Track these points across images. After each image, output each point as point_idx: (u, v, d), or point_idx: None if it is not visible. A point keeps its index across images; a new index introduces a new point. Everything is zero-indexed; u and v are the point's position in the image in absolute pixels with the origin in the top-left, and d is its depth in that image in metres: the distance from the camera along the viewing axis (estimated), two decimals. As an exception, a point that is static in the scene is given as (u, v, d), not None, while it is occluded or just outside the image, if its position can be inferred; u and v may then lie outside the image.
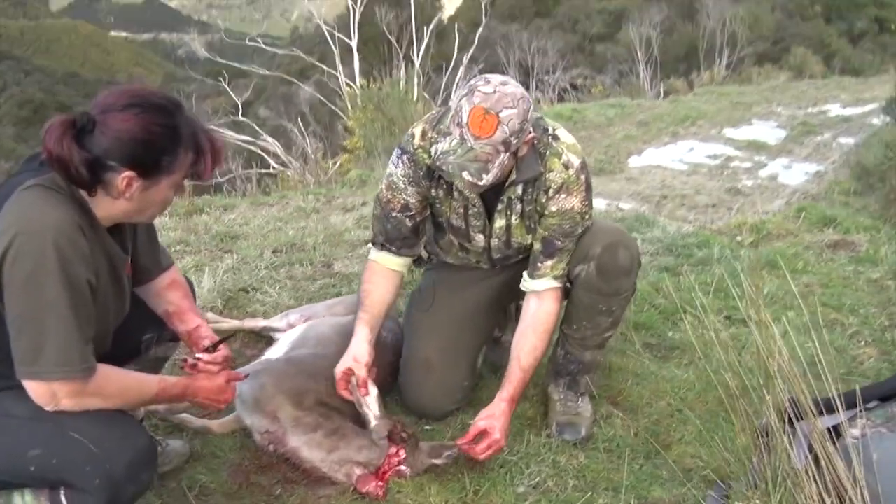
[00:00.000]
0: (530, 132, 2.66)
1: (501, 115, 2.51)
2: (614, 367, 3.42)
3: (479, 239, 3.01)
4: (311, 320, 3.41)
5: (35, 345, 1.94)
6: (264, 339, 3.63)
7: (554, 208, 2.84)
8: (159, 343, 2.54)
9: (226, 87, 18.75)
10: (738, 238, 5.35)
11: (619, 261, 2.86)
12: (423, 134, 2.86)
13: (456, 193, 2.91)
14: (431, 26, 20.54)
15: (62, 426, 2.01)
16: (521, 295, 3.09)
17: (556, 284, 2.91)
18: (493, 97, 2.53)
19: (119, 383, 2.13)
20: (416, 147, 2.86)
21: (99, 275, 2.08)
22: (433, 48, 20.08)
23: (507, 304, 3.39)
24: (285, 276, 4.61)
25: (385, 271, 3.03)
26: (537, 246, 2.91)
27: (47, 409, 2.00)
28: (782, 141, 9.88)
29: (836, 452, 2.06)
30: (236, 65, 21.19)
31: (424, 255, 3.31)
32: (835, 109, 12.02)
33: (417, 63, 17.64)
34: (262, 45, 21.00)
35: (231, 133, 18.09)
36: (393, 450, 2.71)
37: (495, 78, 2.61)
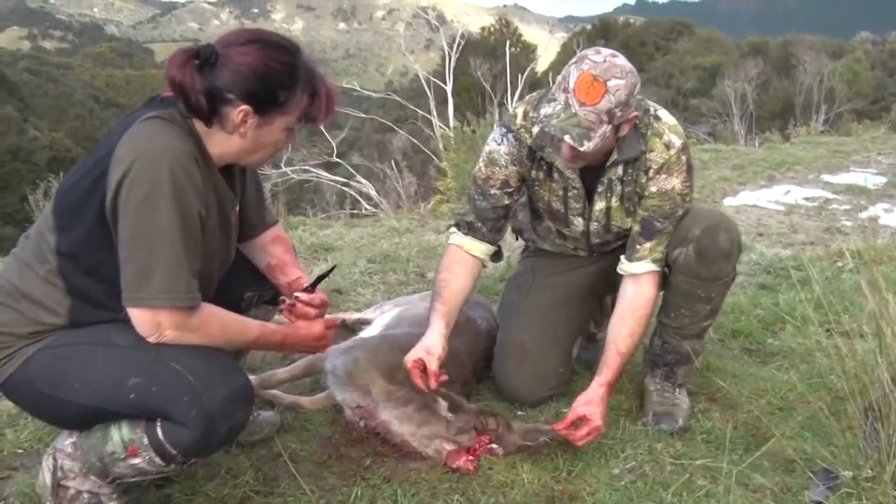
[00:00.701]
0: (634, 111, 2.62)
1: (609, 83, 2.48)
2: (712, 367, 3.33)
3: (579, 223, 2.98)
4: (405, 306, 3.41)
5: (143, 270, 1.98)
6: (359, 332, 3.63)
7: (654, 189, 2.80)
8: (259, 303, 2.54)
9: (321, 128, 19.05)
10: (839, 263, 5.20)
11: (720, 243, 2.79)
12: (525, 114, 2.86)
13: (556, 175, 2.89)
14: (525, 74, 20.76)
15: (163, 356, 2.03)
16: (618, 286, 3.05)
17: (655, 268, 2.85)
18: (603, 66, 2.50)
19: (222, 321, 2.15)
20: (518, 126, 2.86)
21: (209, 210, 2.12)
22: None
23: (604, 295, 3.34)
24: (379, 282, 4.64)
25: (466, 258, 2.95)
26: (636, 228, 2.86)
27: (150, 339, 2.03)
28: (883, 186, 9.62)
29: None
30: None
31: (520, 243, 3.29)
32: (938, 159, 11.70)
33: (511, 107, 17.73)
34: (359, 89, 21.35)
35: (325, 174, 18.42)
36: (479, 430, 2.68)
37: (606, 50, 2.60)
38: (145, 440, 2.05)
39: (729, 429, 2.88)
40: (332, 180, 18.32)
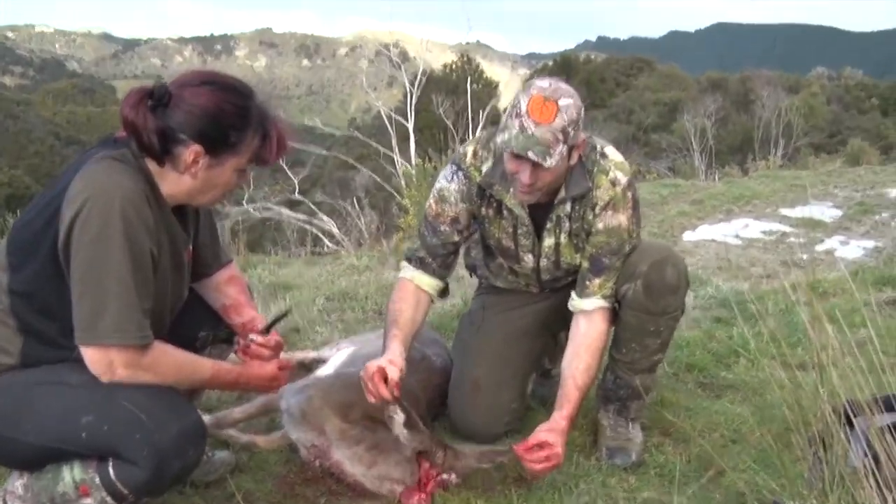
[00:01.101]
0: (582, 135, 2.68)
1: (560, 102, 2.54)
2: (666, 402, 3.36)
3: (529, 259, 3.01)
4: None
5: (95, 309, 1.99)
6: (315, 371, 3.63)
7: (601, 225, 2.84)
8: (214, 343, 2.55)
9: (283, 164, 19.07)
10: (793, 297, 5.27)
11: (667, 278, 2.83)
12: (475, 153, 2.90)
13: (505, 213, 2.92)
14: (487, 111, 20.90)
15: (115, 395, 2.04)
16: (570, 322, 3.09)
17: (605, 304, 2.88)
18: (550, 88, 2.57)
19: (174, 360, 2.17)
20: (468, 164, 2.90)
21: (161, 249, 2.14)
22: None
23: (557, 332, 3.35)
24: (337, 320, 4.64)
25: (416, 291, 2.98)
26: (585, 264, 2.90)
27: (103, 378, 2.04)
28: (839, 219, 9.77)
29: (896, 449, 1.99)
30: (295, 145, 21.61)
31: (475, 280, 3.33)
32: (893, 192, 11.89)
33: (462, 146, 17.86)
34: (322, 127, 21.38)
35: (287, 211, 18.41)
36: (426, 464, 2.68)
37: (549, 78, 2.66)
38: (97, 480, 2.05)
39: (681, 462, 2.91)
40: (293, 218, 18.31)
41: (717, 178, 17.64)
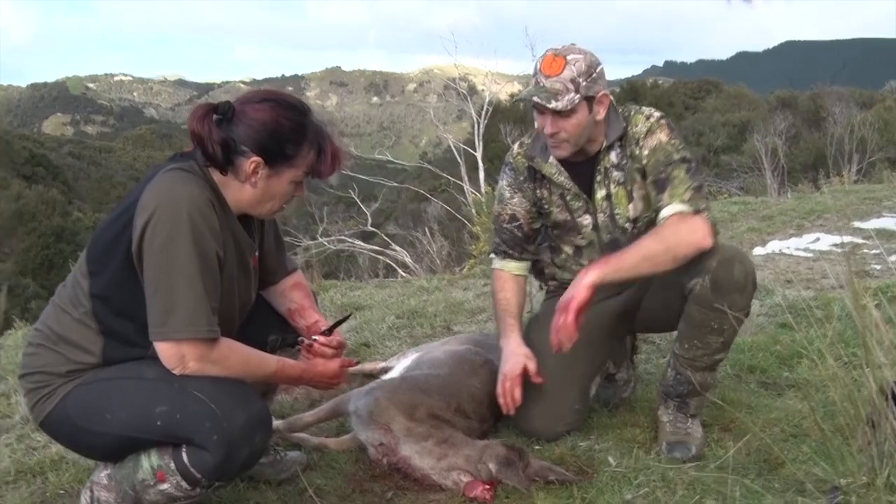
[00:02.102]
0: (603, 90, 2.94)
1: (568, 57, 2.90)
2: (727, 400, 3.39)
3: (587, 220, 3.17)
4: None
5: (167, 306, 2.16)
6: (382, 379, 3.76)
7: (646, 152, 3.04)
8: (283, 347, 2.69)
9: (355, 198, 19.38)
10: (863, 302, 5.24)
11: (734, 275, 2.87)
12: (521, 144, 3.25)
13: (553, 187, 3.16)
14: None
15: (186, 386, 2.20)
16: (638, 327, 3.29)
17: (684, 207, 2.88)
18: (563, 48, 2.93)
19: (242, 354, 2.32)
20: (514, 155, 3.22)
21: (227, 252, 2.31)
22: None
23: (624, 335, 3.45)
24: (406, 335, 4.76)
25: (512, 277, 3.29)
26: (652, 192, 3.03)
27: (175, 372, 2.21)
28: (914, 229, 9.62)
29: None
30: (366, 178, 21.95)
31: (542, 285, 3.46)
32: (971, 202, 11.65)
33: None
34: (393, 160, 21.67)
35: (361, 243, 18.67)
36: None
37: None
38: (172, 465, 2.20)
39: (741, 455, 2.95)
40: (367, 249, 18.58)
41: (788, 194, 17.44)
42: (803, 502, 2.60)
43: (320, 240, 18.56)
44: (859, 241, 9.11)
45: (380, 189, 23.84)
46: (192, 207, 2.18)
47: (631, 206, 3.12)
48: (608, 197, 3.12)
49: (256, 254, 2.56)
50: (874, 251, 8.56)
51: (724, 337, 2.98)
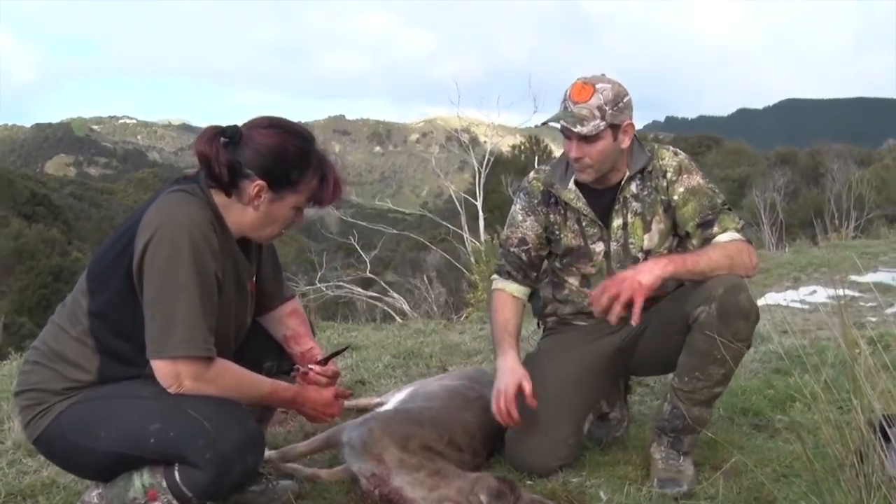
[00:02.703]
0: (628, 119, 3.02)
1: (597, 86, 2.99)
2: (719, 441, 3.41)
3: (599, 248, 3.22)
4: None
5: (165, 325, 2.19)
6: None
7: (682, 189, 3.11)
8: (278, 374, 2.71)
9: (355, 244, 19.42)
10: (857, 350, 5.26)
11: (741, 303, 2.90)
12: (537, 170, 3.35)
13: (569, 213, 3.21)
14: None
15: (180, 404, 2.23)
16: (633, 368, 3.35)
17: (738, 236, 3.06)
18: (592, 76, 3.02)
19: (236, 375, 2.35)
20: (530, 180, 3.31)
21: (225, 273, 2.35)
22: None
23: (619, 376, 3.48)
24: (402, 374, 4.78)
25: (512, 299, 3.32)
26: (696, 233, 3.10)
27: (171, 390, 2.23)
28: (911, 284, 9.67)
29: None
30: (367, 224, 22.01)
31: (540, 323, 3.51)
32: (968, 259, 11.70)
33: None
34: (393, 207, 21.77)
35: (359, 289, 18.68)
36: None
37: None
38: (164, 483, 2.22)
39: (733, 493, 2.96)
40: (365, 296, 18.58)
41: (786, 249, 17.49)
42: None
43: (318, 285, 18.56)
44: (856, 294, 9.15)
45: (379, 237, 23.89)
46: (193, 228, 2.22)
47: (647, 236, 3.17)
48: (624, 226, 3.18)
49: (254, 278, 2.59)
50: (870, 304, 8.60)
51: (725, 368, 2.99)
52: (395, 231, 24.71)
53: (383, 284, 19.30)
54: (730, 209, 3.12)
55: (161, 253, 2.19)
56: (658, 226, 3.17)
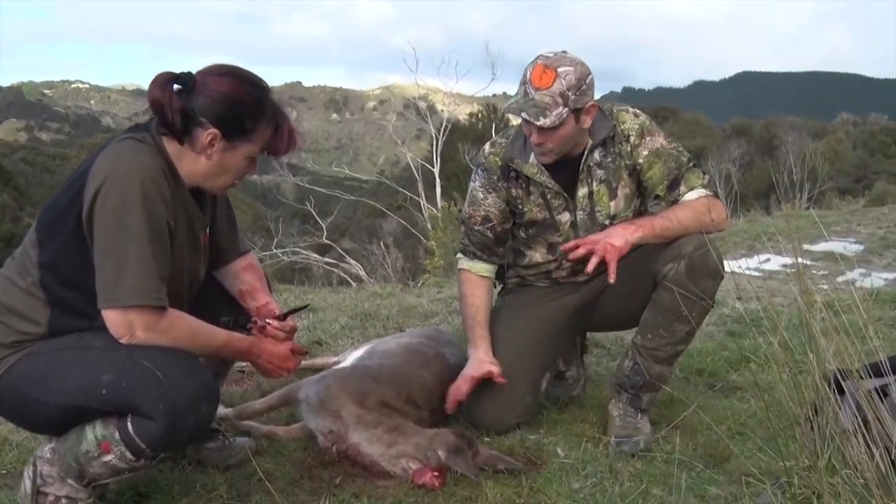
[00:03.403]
0: (591, 101, 2.94)
1: (559, 70, 2.88)
2: (675, 400, 3.43)
3: (565, 218, 3.18)
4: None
5: (116, 274, 2.14)
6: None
7: (646, 152, 3.10)
8: (235, 328, 2.67)
9: (312, 210, 19.33)
10: (814, 309, 5.32)
11: (709, 261, 2.94)
12: (492, 145, 3.23)
13: (532, 187, 3.15)
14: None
15: (134, 355, 2.17)
16: (591, 325, 3.37)
17: (705, 192, 3.08)
18: (553, 58, 2.90)
19: (190, 325, 2.30)
20: (486, 155, 3.20)
21: (177, 222, 2.29)
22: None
23: (578, 332, 3.51)
24: (359, 335, 4.74)
25: (480, 280, 3.30)
26: (663, 192, 3.10)
27: (122, 340, 2.18)
28: (861, 253, 9.82)
29: (884, 408, 2.09)
30: (324, 190, 21.91)
31: (497, 283, 3.47)
32: (917, 229, 11.87)
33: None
34: (350, 174, 21.67)
35: (316, 255, 18.61)
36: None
37: (558, 49, 2.97)
38: (117, 435, 2.17)
39: (689, 450, 2.98)
40: (321, 262, 18.53)
41: (740, 218, 17.67)
42: (746, 493, 2.64)
43: (275, 251, 18.48)
44: (808, 262, 9.26)
45: (336, 204, 23.80)
46: (144, 175, 2.16)
47: (612, 203, 3.14)
48: (590, 195, 3.14)
49: (207, 230, 2.54)
50: (822, 272, 8.72)
51: (689, 326, 3.03)
52: (352, 198, 24.61)
53: (340, 251, 19.28)
54: (695, 165, 3.12)
55: (111, 201, 2.13)
56: (623, 190, 3.15)
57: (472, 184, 3.27)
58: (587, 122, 2.98)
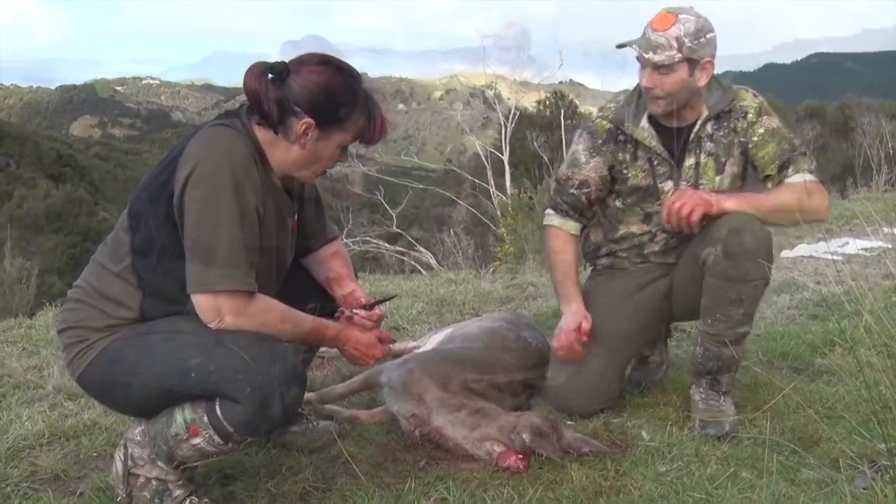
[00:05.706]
0: (708, 57, 2.91)
1: (680, 16, 2.89)
2: (759, 382, 3.39)
3: (668, 187, 3.14)
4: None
5: (205, 260, 2.17)
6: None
7: (762, 130, 3.06)
8: (321, 315, 2.69)
9: (381, 199, 19.40)
10: (894, 298, 5.21)
11: (745, 244, 2.85)
12: (600, 109, 3.25)
13: (640, 152, 3.13)
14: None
15: (222, 339, 2.20)
16: (679, 314, 3.29)
17: (811, 177, 3.03)
18: (679, 7, 2.91)
19: (278, 311, 2.33)
20: (594, 119, 3.20)
21: (266, 208, 2.31)
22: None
23: (663, 322, 3.47)
24: (435, 321, 4.77)
25: (570, 238, 3.29)
26: (773, 172, 3.06)
27: (212, 325, 2.21)
28: (945, 235, 9.53)
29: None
30: (393, 179, 21.98)
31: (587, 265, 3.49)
32: None
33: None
34: (417, 160, 21.67)
35: (386, 244, 18.69)
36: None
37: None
38: (205, 419, 2.20)
39: (777, 433, 2.93)
40: (392, 251, 18.60)
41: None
42: (838, 477, 2.58)
43: (345, 240, 18.58)
44: (889, 245, 9.04)
45: (405, 194, 23.85)
46: (234, 161, 2.19)
47: (718, 178, 3.10)
48: (696, 165, 3.10)
49: (295, 216, 2.56)
50: (903, 257, 8.49)
51: (743, 308, 2.96)
52: (420, 186, 24.64)
53: (410, 239, 19.31)
54: (804, 153, 3.07)
55: (201, 187, 2.16)
56: (732, 168, 3.11)
57: (574, 146, 3.25)
58: (702, 79, 2.95)
